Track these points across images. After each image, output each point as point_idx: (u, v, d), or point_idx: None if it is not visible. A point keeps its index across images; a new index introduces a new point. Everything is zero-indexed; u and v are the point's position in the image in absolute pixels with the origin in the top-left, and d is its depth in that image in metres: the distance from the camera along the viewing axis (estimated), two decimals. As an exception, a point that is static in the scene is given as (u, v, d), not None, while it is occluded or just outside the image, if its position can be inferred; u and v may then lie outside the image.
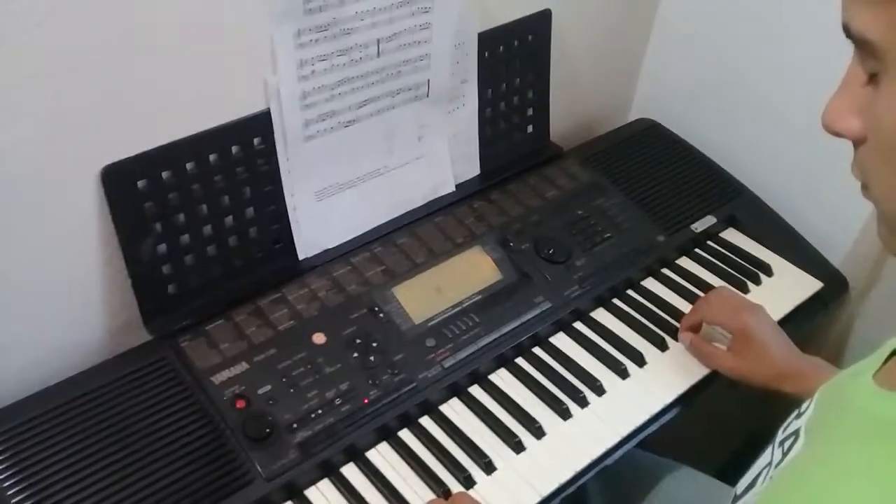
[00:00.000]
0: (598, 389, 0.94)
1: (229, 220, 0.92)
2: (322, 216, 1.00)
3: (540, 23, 1.12)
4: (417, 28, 0.96)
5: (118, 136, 0.81)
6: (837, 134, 0.49)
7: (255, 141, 0.91)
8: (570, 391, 0.93)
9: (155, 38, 0.78)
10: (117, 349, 0.92)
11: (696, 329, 0.98)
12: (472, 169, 1.14)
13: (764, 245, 1.16)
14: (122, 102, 0.80)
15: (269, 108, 0.89)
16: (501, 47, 1.10)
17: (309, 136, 0.94)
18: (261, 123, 0.90)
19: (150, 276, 0.88)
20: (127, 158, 0.82)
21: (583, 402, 0.92)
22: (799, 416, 0.64)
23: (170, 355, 0.88)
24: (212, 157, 0.88)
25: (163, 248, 0.88)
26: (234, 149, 0.89)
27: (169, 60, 0.80)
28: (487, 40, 1.07)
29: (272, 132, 0.91)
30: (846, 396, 0.56)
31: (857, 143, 0.48)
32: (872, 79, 0.45)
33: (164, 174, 0.85)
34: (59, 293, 0.85)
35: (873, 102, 0.45)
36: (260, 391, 0.86)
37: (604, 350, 0.99)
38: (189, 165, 0.87)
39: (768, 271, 1.12)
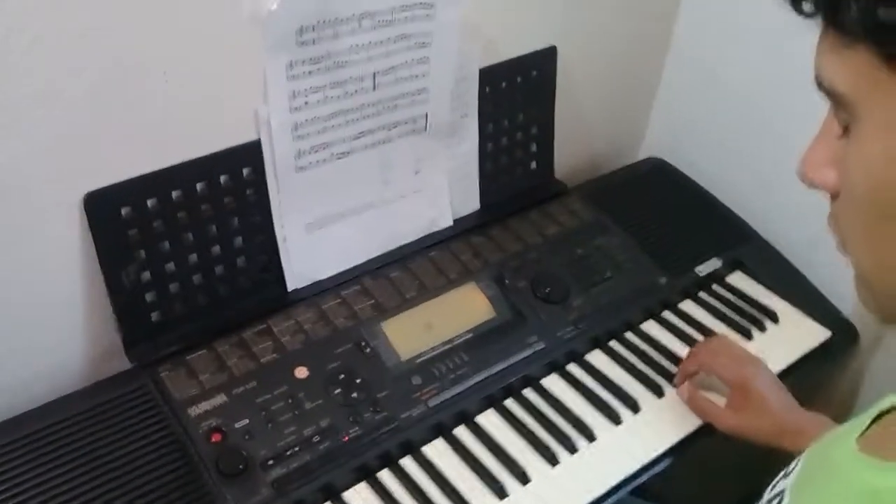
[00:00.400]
0: (589, 435, 0.91)
1: (216, 249, 0.92)
2: (313, 247, 0.98)
3: (544, 59, 1.11)
4: (415, 62, 0.95)
5: (103, 163, 0.81)
6: (813, 185, 0.46)
7: (245, 171, 0.90)
8: (559, 436, 0.90)
9: (142, 64, 0.78)
10: (100, 375, 0.90)
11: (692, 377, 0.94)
12: (472, 204, 1.13)
13: (771, 290, 1.12)
14: (108, 129, 0.79)
15: (259, 139, 0.89)
16: (504, 83, 1.08)
17: (301, 167, 0.93)
18: (250, 153, 0.89)
19: (132, 303, 0.87)
20: (111, 185, 0.81)
21: (572, 448, 0.89)
22: (786, 475, 0.61)
23: (149, 384, 0.86)
24: (199, 186, 0.87)
25: (146, 275, 0.87)
26: (223, 178, 0.89)
27: (156, 88, 0.80)
28: (489, 76, 1.06)
29: (262, 162, 0.90)
30: (831, 460, 0.53)
31: (833, 196, 0.46)
32: (846, 131, 0.43)
33: (150, 202, 0.85)
34: (38, 317, 0.85)
35: (846, 155, 0.43)
36: (237, 425, 0.84)
37: (597, 395, 0.95)
38: (175, 193, 0.86)
39: (774, 318, 1.08)
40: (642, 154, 1.39)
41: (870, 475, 0.47)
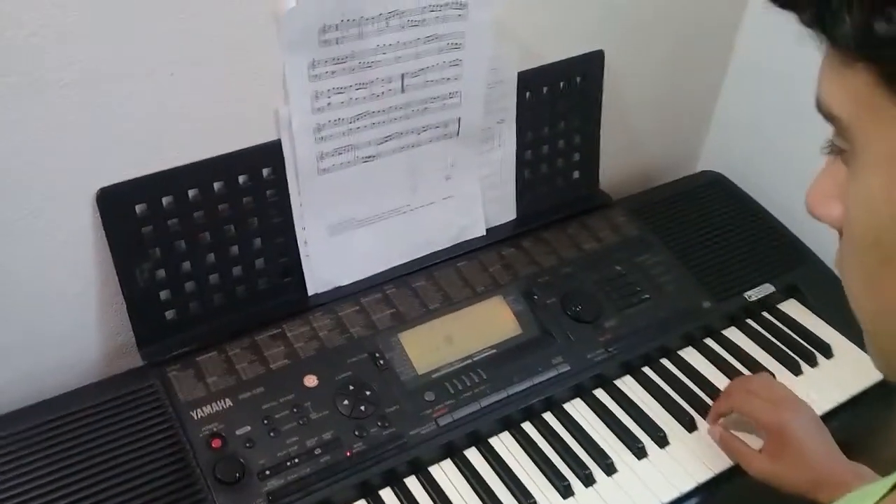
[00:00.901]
0: (609, 468, 0.85)
1: (234, 249, 0.90)
2: (335, 252, 0.96)
3: (590, 64, 1.05)
4: (447, 65, 0.91)
5: (118, 159, 0.80)
6: (819, 219, 0.40)
7: (265, 171, 0.88)
8: (576, 466, 0.85)
9: (157, 60, 0.77)
10: (115, 371, 0.90)
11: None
12: (508, 213, 1.08)
13: (826, 321, 1.03)
14: (124, 125, 0.78)
15: (279, 139, 0.86)
16: (545, 88, 1.03)
17: (323, 169, 0.90)
18: (271, 153, 0.87)
19: (146, 301, 0.87)
20: (124, 182, 0.81)
21: (588, 480, 0.84)
22: None
23: (157, 384, 0.85)
24: (216, 185, 0.86)
25: (161, 273, 0.86)
26: (242, 178, 0.87)
27: (173, 83, 0.78)
28: (529, 80, 1.01)
29: (283, 163, 0.88)
30: None
31: (840, 232, 0.40)
32: (847, 162, 0.37)
33: (165, 200, 0.84)
34: (52, 311, 0.85)
35: (847, 189, 0.37)
36: (238, 432, 0.82)
37: (623, 424, 0.90)
38: (192, 192, 0.85)
39: (828, 352, 0.99)
40: (700, 167, 1.32)
41: None
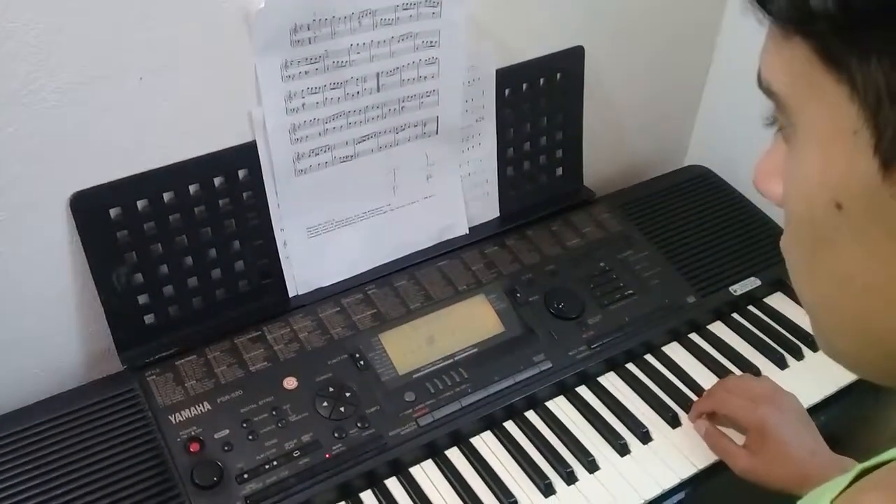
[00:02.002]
0: (591, 465, 0.84)
1: (212, 252, 0.90)
2: (315, 253, 0.95)
3: (570, 60, 1.05)
4: (422, 63, 0.91)
5: (92, 163, 0.80)
6: (763, 195, 0.40)
7: (241, 173, 0.88)
8: (558, 464, 0.84)
9: (130, 62, 0.76)
10: (95, 375, 0.90)
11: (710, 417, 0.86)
12: (491, 211, 1.07)
13: (813, 315, 1.02)
14: (97, 129, 0.78)
15: (254, 140, 0.86)
16: (525, 85, 1.03)
17: (300, 170, 0.90)
18: (246, 155, 0.87)
19: (124, 305, 0.86)
20: (98, 186, 0.80)
21: (570, 478, 0.83)
22: None
23: (137, 389, 0.85)
24: (192, 188, 0.85)
25: (139, 278, 0.86)
26: (217, 180, 0.87)
27: (143, 88, 0.78)
28: (508, 77, 1.00)
29: (259, 164, 0.87)
30: None
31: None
32: (787, 138, 0.36)
33: (140, 203, 0.83)
34: (30, 317, 0.85)
35: (787, 166, 0.36)
36: (217, 435, 0.81)
37: (605, 421, 0.89)
38: (167, 195, 0.84)
39: (814, 345, 0.98)
40: (687, 162, 1.31)
41: None
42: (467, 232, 1.05)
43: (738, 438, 0.82)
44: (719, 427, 0.85)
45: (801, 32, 0.32)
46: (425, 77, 0.92)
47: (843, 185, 0.32)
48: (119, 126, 0.79)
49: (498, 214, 1.08)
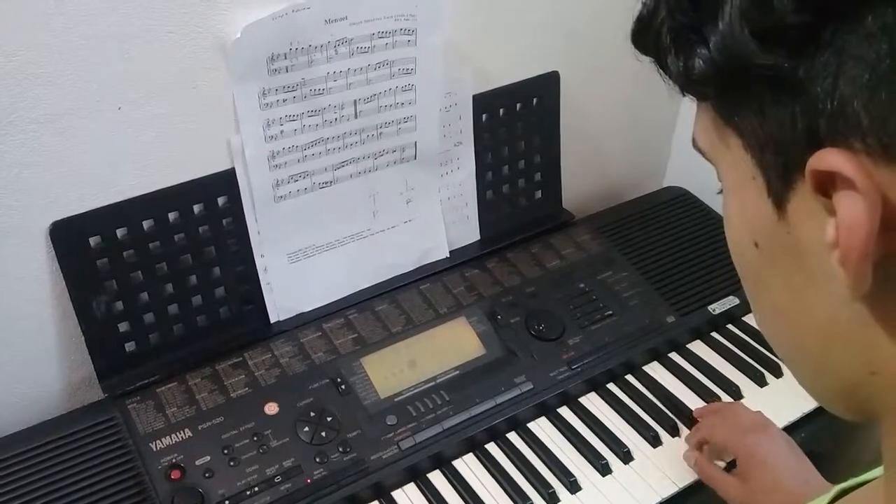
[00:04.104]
0: (573, 485, 0.85)
1: (192, 279, 0.90)
2: (296, 279, 0.96)
3: (546, 85, 1.06)
4: (399, 89, 0.92)
5: (71, 193, 0.80)
6: None
7: (220, 200, 0.88)
8: (539, 485, 0.84)
9: (111, 93, 0.77)
10: (76, 404, 0.90)
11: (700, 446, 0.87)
12: (471, 234, 1.08)
13: (791, 332, 1.03)
14: (76, 159, 0.79)
15: (233, 168, 0.87)
16: (502, 110, 1.04)
17: (280, 196, 0.91)
18: (225, 182, 0.88)
19: (104, 333, 0.86)
20: (77, 215, 0.81)
21: (552, 499, 0.83)
22: None
23: (118, 416, 0.85)
24: (171, 216, 0.86)
25: (119, 305, 0.86)
26: (197, 207, 0.87)
27: (122, 115, 0.79)
28: (485, 102, 1.02)
29: (238, 191, 0.88)
30: None
31: None
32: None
33: (119, 232, 0.84)
34: (11, 346, 0.85)
35: (724, 215, 0.39)
36: (198, 462, 0.81)
37: (586, 441, 0.89)
38: (147, 223, 0.85)
39: (792, 362, 0.99)
40: (666, 184, 1.32)
41: None
42: (448, 255, 1.06)
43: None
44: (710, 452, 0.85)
45: (697, 97, 0.35)
46: (402, 103, 0.93)
47: (755, 226, 0.35)
48: (98, 155, 0.80)
49: (478, 237, 1.09)
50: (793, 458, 0.79)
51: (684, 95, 0.35)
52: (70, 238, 0.81)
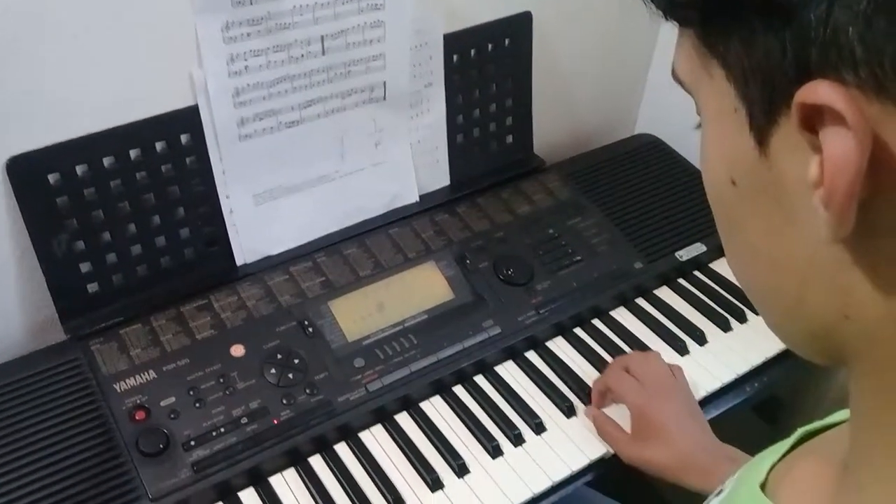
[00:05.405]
0: (538, 427, 0.86)
1: (156, 219, 0.88)
2: (263, 221, 0.94)
3: (518, 26, 1.04)
4: (368, 26, 0.90)
5: (28, 127, 0.78)
6: None
7: (183, 138, 0.86)
8: (505, 426, 0.85)
9: (66, 20, 0.74)
10: (38, 346, 0.88)
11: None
12: (441, 179, 1.07)
13: (756, 279, 1.05)
14: (32, 91, 0.76)
15: (196, 104, 0.85)
16: (473, 51, 1.02)
17: (245, 135, 0.89)
18: (188, 119, 0.85)
19: (66, 274, 0.85)
20: (35, 150, 0.78)
21: (518, 440, 0.84)
22: (720, 492, 0.55)
23: (80, 358, 0.84)
24: (133, 153, 0.84)
25: (80, 245, 0.84)
26: (159, 145, 0.85)
27: (81, 46, 0.76)
28: (456, 42, 1.00)
29: (201, 129, 0.86)
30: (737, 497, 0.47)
31: None
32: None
33: (79, 168, 0.81)
34: (-34, 286, 0.83)
35: (700, 151, 0.37)
36: (163, 403, 0.81)
37: (552, 384, 0.90)
38: (107, 160, 0.83)
39: (757, 308, 1.01)
40: (638, 131, 1.32)
41: None
42: (417, 200, 1.05)
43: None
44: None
45: (680, 22, 0.34)
46: (371, 41, 0.91)
47: (733, 162, 0.34)
48: (54, 87, 0.77)
49: (448, 182, 1.08)
50: (688, 419, 0.80)
51: (668, 20, 0.34)
52: (28, 174, 0.79)
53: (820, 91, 0.28)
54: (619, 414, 0.85)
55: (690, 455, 0.76)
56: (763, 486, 0.43)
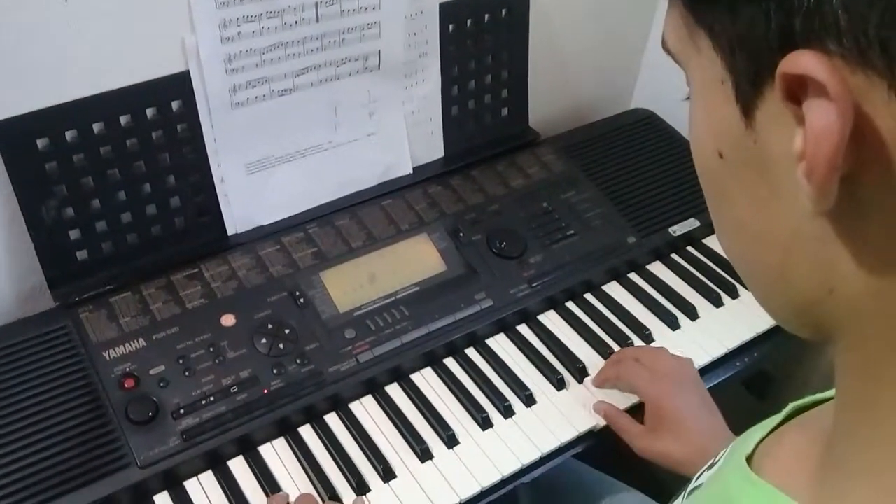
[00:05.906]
0: (528, 399, 0.86)
1: (146, 187, 0.87)
2: (255, 190, 0.94)
3: (515, -4, 1.03)
4: (363, -7, 0.88)
5: (17, 91, 0.76)
6: None
7: (175, 104, 0.85)
8: (495, 398, 0.85)
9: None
10: (27, 313, 0.88)
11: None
12: (435, 151, 1.06)
13: (749, 255, 1.04)
14: (20, 55, 0.75)
15: (188, 70, 0.83)
16: (469, 21, 1.01)
17: (237, 102, 0.88)
18: (179, 85, 0.84)
19: (55, 241, 0.84)
20: (24, 115, 0.77)
21: (507, 412, 0.84)
22: (711, 466, 0.55)
23: (69, 325, 0.83)
24: (123, 119, 0.83)
25: (70, 212, 0.84)
26: (150, 111, 0.84)
27: (71, 9, 0.75)
28: (452, 12, 0.98)
29: (193, 95, 0.85)
30: (723, 477, 0.47)
31: None
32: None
33: (69, 134, 0.80)
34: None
35: (689, 123, 0.37)
36: (152, 371, 0.80)
37: (544, 357, 0.90)
38: (97, 126, 0.82)
39: (749, 285, 1.00)
40: (634, 105, 1.31)
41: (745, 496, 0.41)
42: (411, 171, 1.04)
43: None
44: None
45: None
46: (366, 8, 0.90)
47: (720, 134, 0.33)
48: (44, 51, 0.76)
49: (442, 154, 1.07)
50: (702, 410, 0.79)
51: None
52: (16, 138, 0.78)
53: (802, 61, 0.27)
54: (616, 398, 0.86)
55: (706, 449, 0.73)
56: (750, 459, 0.43)
